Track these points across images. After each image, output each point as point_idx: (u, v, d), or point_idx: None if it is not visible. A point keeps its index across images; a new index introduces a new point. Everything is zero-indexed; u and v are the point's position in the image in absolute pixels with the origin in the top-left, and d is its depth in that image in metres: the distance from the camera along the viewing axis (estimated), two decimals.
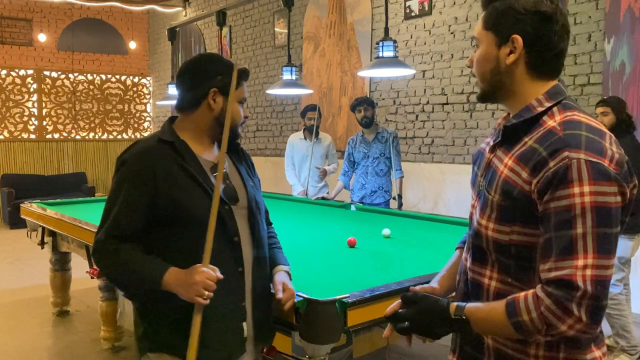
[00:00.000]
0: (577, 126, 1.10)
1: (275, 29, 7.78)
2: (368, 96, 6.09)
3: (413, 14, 5.95)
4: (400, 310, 1.28)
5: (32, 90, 9.82)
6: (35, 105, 9.89)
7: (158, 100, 7.48)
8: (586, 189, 1.03)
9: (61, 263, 4.41)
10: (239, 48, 8.54)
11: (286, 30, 7.25)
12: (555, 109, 1.17)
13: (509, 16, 1.18)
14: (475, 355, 1.28)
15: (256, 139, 8.35)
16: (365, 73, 3.92)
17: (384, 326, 2.08)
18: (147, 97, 11.09)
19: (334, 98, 6.96)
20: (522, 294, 1.09)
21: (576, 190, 1.04)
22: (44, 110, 9.98)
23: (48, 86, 9.96)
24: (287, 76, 4.24)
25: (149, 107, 11.11)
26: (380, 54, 3.32)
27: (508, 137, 1.22)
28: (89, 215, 3.85)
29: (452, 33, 5.61)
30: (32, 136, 9.89)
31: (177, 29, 5.78)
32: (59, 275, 4.43)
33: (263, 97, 8.09)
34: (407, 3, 6.00)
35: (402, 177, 4.78)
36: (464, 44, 5.50)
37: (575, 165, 1.04)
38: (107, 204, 1.64)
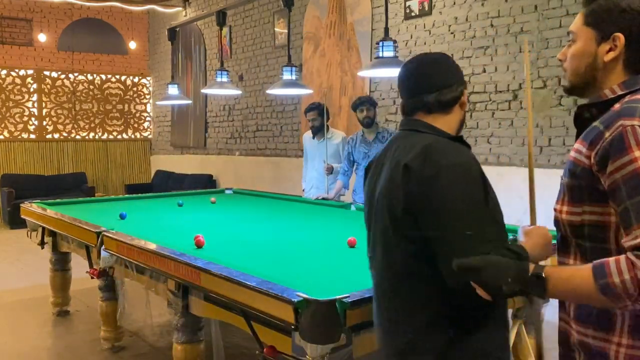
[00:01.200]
0: (637, 101, 1.11)
1: (275, 29, 7.78)
2: (365, 96, 6.07)
3: (413, 14, 5.95)
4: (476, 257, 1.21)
5: (32, 90, 9.82)
6: (35, 105, 9.89)
7: (158, 100, 7.48)
8: None
9: (61, 263, 4.41)
10: (239, 48, 8.54)
11: (286, 30, 7.24)
12: (628, 96, 1.17)
13: (614, 14, 1.18)
14: (566, 354, 1.25)
15: (256, 139, 8.35)
16: (365, 73, 3.93)
17: None
18: (147, 97, 11.09)
19: (334, 98, 6.96)
20: (612, 258, 1.05)
21: (638, 154, 1.04)
22: (44, 110, 9.98)
23: (48, 86, 9.96)
24: (287, 76, 4.24)
25: (149, 107, 11.11)
26: (380, 54, 3.32)
27: (581, 127, 1.25)
28: (89, 215, 3.86)
29: (452, 33, 5.61)
30: (32, 136, 9.89)
31: (177, 29, 5.79)
32: (59, 275, 4.43)
33: (263, 97, 8.09)
34: (407, 3, 6.00)
35: None
36: (464, 44, 5.50)
37: (630, 131, 1.05)
38: (472, 213, 1.26)
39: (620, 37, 1.17)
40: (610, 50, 1.19)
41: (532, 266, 1.15)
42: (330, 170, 5.01)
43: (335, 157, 5.18)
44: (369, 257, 1.61)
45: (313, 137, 5.29)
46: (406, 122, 1.54)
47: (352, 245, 2.89)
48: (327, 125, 5.22)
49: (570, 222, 1.19)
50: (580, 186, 1.15)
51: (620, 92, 1.19)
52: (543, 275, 1.11)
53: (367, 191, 1.59)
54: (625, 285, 1.01)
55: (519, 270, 1.13)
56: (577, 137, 1.26)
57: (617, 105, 1.16)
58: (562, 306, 1.27)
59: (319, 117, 5.18)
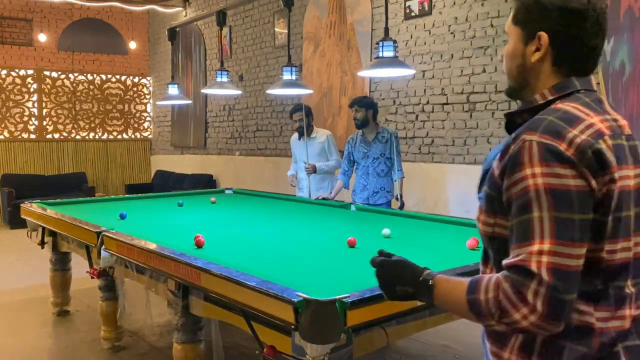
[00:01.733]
0: (552, 112, 1.06)
1: (275, 29, 7.77)
2: (367, 96, 6.07)
3: (413, 14, 5.95)
4: (381, 257, 1.23)
5: (32, 90, 9.82)
6: (35, 105, 9.89)
7: (158, 100, 7.48)
8: (537, 170, 0.99)
9: (61, 263, 4.41)
10: (239, 48, 8.54)
11: (286, 30, 7.24)
12: (558, 102, 1.12)
13: (536, 11, 1.12)
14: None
15: (256, 139, 8.35)
16: (365, 73, 3.93)
17: (384, 326, 2.09)
18: (147, 97, 11.09)
19: (334, 98, 6.96)
20: (489, 275, 1.05)
21: (528, 172, 1.00)
22: (44, 110, 9.98)
23: (48, 86, 9.96)
24: (287, 76, 4.24)
25: (149, 107, 11.11)
26: (380, 54, 3.32)
27: (511, 132, 1.18)
28: (89, 215, 3.86)
29: (452, 33, 5.61)
30: (32, 136, 9.89)
31: (177, 29, 5.78)
32: (59, 275, 4.43)
33: (263, 97, 8.09)
34: (407, 3, 6.00)
35: (403, 177, 4.74)
36: (464, 44, 5.50)
37: (527, 147, 1.01)
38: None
39: (544, 36, 1.12)
40: (536, 50, 1.14)
41: (427, 271, 1.14)
42: (311, 170, 5.00)
43: (321, 156, 5.19)
44: None
45: (299, 138, 5.28)
46: None
47: (352, 245, 2.89)
48: (312, 125, 5.23)
49: (485, 232, 1.15)
50: (494, 198, 1.10)
51: (550, 97, 1.13)
52: (430, 282, 1.10)
53: None
54: (488, 304, 1.00)
55: (414, 272, 1.13)
56: None
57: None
58: None
59: (306, 117, 5.15)
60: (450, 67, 5.63)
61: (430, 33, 5.81)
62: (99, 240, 3.13)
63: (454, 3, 5.57)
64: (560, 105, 1.10)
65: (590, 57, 1.17)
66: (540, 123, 1.04)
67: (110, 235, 3.05)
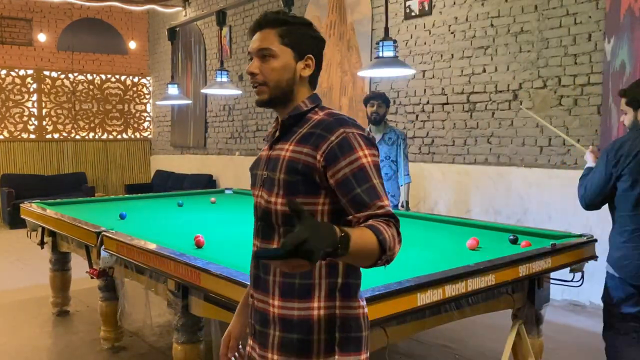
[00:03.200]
0: (337, 114, 1.45)
1: None
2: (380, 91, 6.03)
3: (413, 14, 5.95)
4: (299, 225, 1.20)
5: (32, 90, 9.82)
6: (35, 105, 9.89)
7: (158, 100, 7.48)
8: (367, 151, 1.38)
9: (61, 263, 4.41)
10: (239, 48, 8.54)
11: None
12: (317, 109, 1.49)
13: (306, 39, 1.48)
14: (263, 331, 1.45)
15: (256, 139, 8.35)
16: (365, 73, 3.93)
17: (384, 326, 2.09)
18: (147, 97, 11.09)
19: (334, 98, 6.96)
20: (372, 222, 1.33)
21: (361, 154, 1.37)
22: (44, 110, 9.98)
23: (48, 86, 9.96)
24: None
25: (148, 107, 11.11)
26: (380, 54, 3.32)
27: (284, 133, 1.49)
28: (89, 215, 3.86)
29: (452, 33, 5.61)
30: (32, 136, 9.89)
31: (177, 29, 5.78)
32: (59, 275, 4.43)
33: None
34: (407, 3, 6.00)
35: (410, 182, 4.54)
36: (464, 44, 5.50)
37: (352, 137, 1.37)
38: None
39: (312, 58, 1.49)
40: (305, 67, 1.49)
41: (334, 226, 1.23)
42: None
43: None
44: None
45: None
46: None
47: None
48: None
49: (284, 212, 1.41)
50: (298, 181, 1.39)
51: (311, 106, 1.49)
52: (346, 233, 1.22)
53: None
54: (391, 241, 1.30)
55: (330, 231, 1.18)
56: (275, 141, 1.49)
57: (317, 116, 1.45)
58: (262, 288, 1.45)
59: None
60: (450, 67, 5.63)
61: (430, 33, 5.81)
62: (99, 240, 3.12)
63: (454, 3, 5.57)
64: (325, 111, 1.47)
65: (317, 76, 1.56)
66: (346, 121, 1.42)
67: (110, 236, 3.05)
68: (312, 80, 1.54)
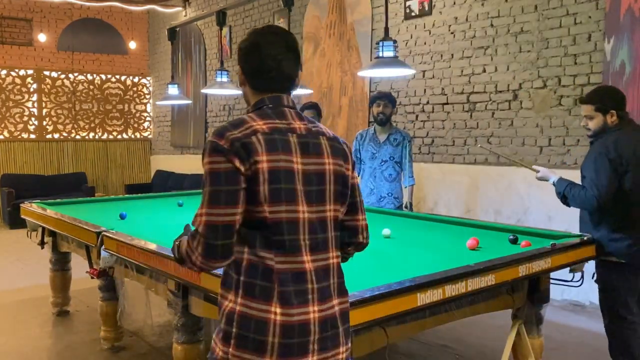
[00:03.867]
0: (232, 120, 1.51)
1: None
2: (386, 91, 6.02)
3: (413, 14, 5.95)
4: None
5: (32, 90, 9.82)
6: (35, 105, 9.89)
7: (158, 100, 7.48)
8: (206, 159, 1.44)
9: (61, 263, 4.41)
10: None
11: None
12: (251, 113, 1.55)
13: (238, 53, 1.61)
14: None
15: None
16: (365, 73, 3.93)
17: (384, 326, 2.09)
18: (147, 97, 11.09)
19: (334, 98, 6.96)
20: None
21: (204, 161, 1.45)
22: (44, 110, 9.98)
23: (48, 86, 9.96)
24: None
25: (149, 107, 11.11)
26: (380, 54, 3.32)
27: None
28: (89, 215, 3.85)
29: (452, 33, 5.61)
30: (32, 136, 9.89)
31: (177, 29, 5.78)
32: (59, 275, 4.43)
33: None
34: (407, 3, 6.00)
35: (414, 184, 4.50)
36: (464, 44, 5.50)
37: (206, 145, 1.46)
38: None
39: (239, 70, 1.60)
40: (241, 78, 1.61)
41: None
42: None
43: None
44: None
45: None
46: None
47: None
48: None
49: None
50: None
51: (251, 112, 1.56)
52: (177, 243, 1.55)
53: None
54: (180, 248, 1.50)
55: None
56: None
57: None
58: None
59: (317, 116, 5.05)
60: (450, 67, 5.63)
61: (430, 33, 5.81)
62: (99, 240, 3.12)
63: (454, 3, 5.57)
64: (244, 115, 1.53)
65: (267, 80, 1.55)
66: (217, 127, 1.50)
67: (110, 236, 3.05)
68: (255, 86, 1.58)
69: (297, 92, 5.06)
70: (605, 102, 2.92)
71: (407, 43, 6.03)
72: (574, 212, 3.18)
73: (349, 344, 1.56)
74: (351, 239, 1.66)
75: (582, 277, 2.99)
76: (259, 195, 1.42)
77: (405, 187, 4.49)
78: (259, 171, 1.41)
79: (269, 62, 1.53)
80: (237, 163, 1.41)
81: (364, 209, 1.71)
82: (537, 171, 3.20)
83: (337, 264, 1.56)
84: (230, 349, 1.43)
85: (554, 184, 3.07)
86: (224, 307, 1.48)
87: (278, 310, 1.41)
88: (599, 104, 2.93)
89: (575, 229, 3.19)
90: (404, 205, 4.50)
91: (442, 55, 5.70)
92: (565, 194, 2.95)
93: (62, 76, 10.08)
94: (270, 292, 1.42)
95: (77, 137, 10.32)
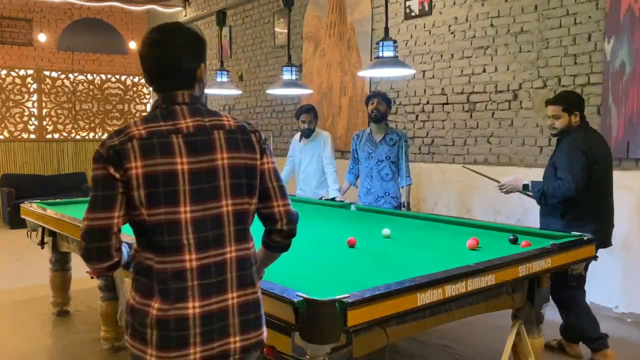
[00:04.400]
0: (118, 128, 1.58)
1: (275, 29, 7.78)
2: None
3: (413, 14, 5.95)
4: None
5: (32, 90, 9.82)
6: (35, 105, 9.89)
7: None
8: (92, 167, 1.51)
9: (61, 263, 4.41)
10: (239, 48, 8.54)
11: (286, 30, 7.24)
12: (141, 118, 1.60)
13: None
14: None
15: None
16: (365, 73, 3.93)
17: (384, 326, 2.09)
18: (147, 97, 11.08)
19: (334, 98, 6.96)
20: None
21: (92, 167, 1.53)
22: (44, 110, 9.98)
23: (48, 86, 9.95)
24: (287, 76, 4.24)
25: (149, 107, 11.11)
26: (380, 54, 3.32)
27: None
28: None
29: (452, 33, 5.61)
30: (32, 136, 9.89)
31: None
32: (59, 275, 4.43)
33: (263, 97, 8.10)
34: (407, 3, 6.00)
35: (411, 184, 4.54)
36: (464, 44, 5.50)
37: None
38: None
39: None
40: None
41: None
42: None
43: (319, 159, 5.00)
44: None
45: (299, 140, 5.13)
46: None
47: (352, 245, 2.89)
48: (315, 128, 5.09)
49: None
50: None
51: (152, 112, 1.59)
52: None
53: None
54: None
55: None
56: None
57: None
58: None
59: (314, 119, 5.03)
60: (450, 67, 5.63)
61: (430, 33, 5.81)
62: None
63: (454, 3, 5.57)
64: (132, 121, 1.57)
65: (158, 80, 1.60)
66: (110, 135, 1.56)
67: None
68: (157, 89, 1.62)
69: (297, 91, 5.07)
70: (571, 104, 3.33)
71: (407, 43, 6.03)
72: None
73: (254, 332, 1.60)
74: (271, 227, 1.68)
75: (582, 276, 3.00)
76: (135, 200, 1.47)
77: (402, 187, 4.51)
78: (131, 177, 1.46)
79: (158, 62, 1.58)
80: (112, 170, 1.47)
81: (285, 194, 1.70)
82: (502, 184, 3.42)
83: (236, 257, 1.58)
84: (128, 337, 1.57)
85: (525, 188, 3.36)
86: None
87: (156, 305, 1.50)
88: (566, 105, 3.33)
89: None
90: (402, 205, 4.51)
91: (442, 55, 5.70)
92: (545, 190, 3.21)
93: (62, 76, 10.08)
94: (151, 289, 1.51)
95: (77, 137, 10.32)
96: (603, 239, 3.28)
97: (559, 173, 3.23)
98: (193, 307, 1.50)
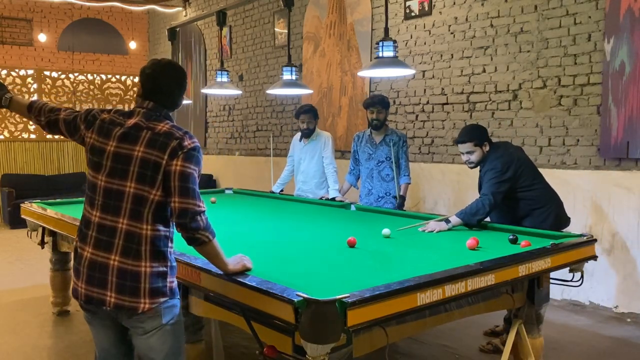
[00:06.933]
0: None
1: (275, 29, 7.78)
2: (383, 95, 6.01)
3: (413, 14, 5.96)
4: None
5: (32, 90, 9.82)
6: None
7: None
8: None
9: (61, 263, 4.41)
10: (239, 48, 8.54)
11: (286, 30, 7.24)
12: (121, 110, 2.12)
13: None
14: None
15: (256, 139, 8.35)
16: (365, 73, 3.93)
17: (384, 326, 2.09)
18: None
19: (334, 98, 6.96)
20: None
21: None
22: None
23: (48, 86, 9.96)
24: (287, 76, 4.24)
25: None
26: (380, 54, 3.32)
27: None
28: None
29: (452, 33, 5.61)
30: (33, 136, 9.89)
31: (177, 29, 5.79)
32: (59, 275, 4.43)
33: (263, 97, 8.10)
34: (407, 3, 6.00)
35: (409, 183, 4.56)
36: (464, 44, 5.50)
37: None
38: None
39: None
40: None
41: None
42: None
43: (318, 159, 5.01)
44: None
45: (300, 140, 5.13)
46: None
47: (352, 245, 2.89)
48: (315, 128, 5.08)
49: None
50: None
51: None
52: None
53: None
54: None
55: None
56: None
57: None
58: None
59: (314, 119, 5.04)
60: (450, 67, 5.63)
61: (430, 33, 5.81)
62: None
63: (454, 3, 5.57)
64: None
65: (142, 89, 2.07)
66: None
67: None
68: (144, 95, 2.08)
69: (297, 91, 5.07)
70: (480, 138, 3.57)
71: (407, 43, 6.03)
72: (574, 212, 3.19)
73: (128, 298, 1.92)
74: (173, 220, 2.00)
75: (582, 276, 3.00)
76: (87, 158, 2.06)
77: (400, 185, 4.53)
78: (86, 142, 2.06)
79: (143, 80, 2.07)
80: (83, 127, 2.09)
81: (186, 194, 1.93)
82: (425, 228, 3.41)
83: (126, 230, 1.93)
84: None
85: (448, 222, 3.39)
86: None
87: (75, 242, 2.06)
88: (476, 140, 3.57)
89: (575, 229, 3.20)
90: (395, 199, 4.53)
91: (442, 55, 5.70)
92: (473, 214, 3.36)
93: (63, 76, 10.08)
94: (79, 230, 2.05)
95: None
96: (565, 217, 3.59)
97: (484, 187, 3.52)
98: (87, 252, 1.97)
